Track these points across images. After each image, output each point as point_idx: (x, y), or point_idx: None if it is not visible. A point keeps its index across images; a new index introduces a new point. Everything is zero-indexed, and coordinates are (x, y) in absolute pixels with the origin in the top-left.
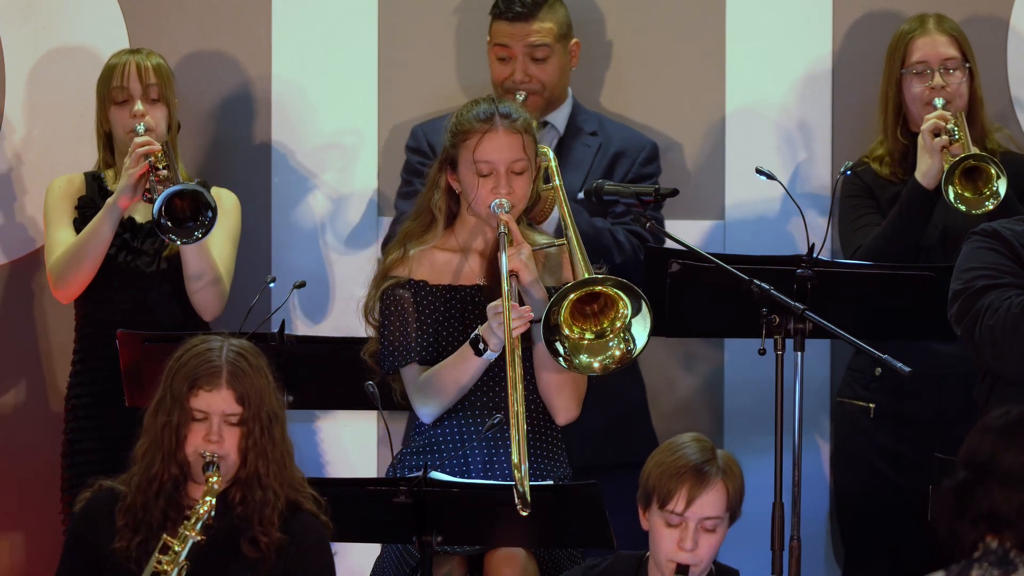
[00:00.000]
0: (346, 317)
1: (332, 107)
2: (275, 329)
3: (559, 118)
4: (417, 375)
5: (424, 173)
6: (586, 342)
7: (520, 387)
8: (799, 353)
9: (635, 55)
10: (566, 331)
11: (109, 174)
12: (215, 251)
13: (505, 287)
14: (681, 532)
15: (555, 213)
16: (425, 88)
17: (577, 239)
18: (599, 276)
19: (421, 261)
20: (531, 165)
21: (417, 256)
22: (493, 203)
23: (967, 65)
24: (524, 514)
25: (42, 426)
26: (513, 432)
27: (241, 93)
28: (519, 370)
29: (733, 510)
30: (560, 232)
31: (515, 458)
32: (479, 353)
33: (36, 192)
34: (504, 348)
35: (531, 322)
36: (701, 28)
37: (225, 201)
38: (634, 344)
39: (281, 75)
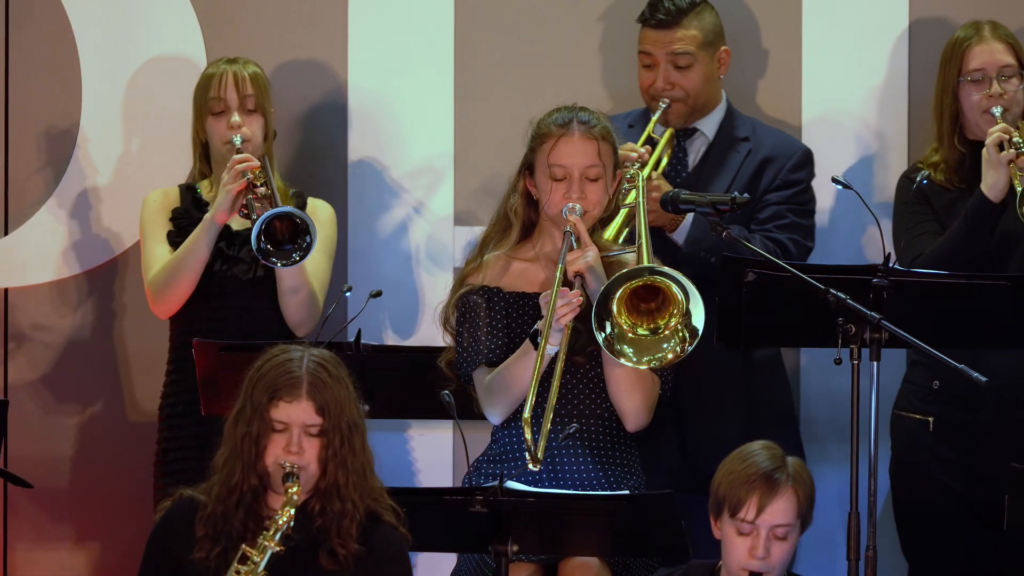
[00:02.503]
0: (422, 327)
1: (409, 116)
2: (351, 338)
3: (709, 125)
4: (484, 377)
5: None
6: (634, 336)
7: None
8: (875, 363)
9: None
10: (617, 318)
11: (204, 184)
12: (310, 264)
13: (558, 277)
14: (753, 540)
15: (687, 221)
16: (502, 99)
17: (647, 246)
18: (651, 266)
19: (496, 268)
20: (606, 172)
21: (492, 262)
22: (565, 207)
23: (1023, 72)
24: (534, 469)
25: (120, 436)
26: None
27: (318, 102)
28: (560, 355)
29: (804, 517)
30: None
31: (526, 414)
32: (538, 347)
33: (112, 202)
34: (561, 349)
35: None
36: (777, 38)
37: (320, 213)
38: (689, 343)
39: (358, 84)
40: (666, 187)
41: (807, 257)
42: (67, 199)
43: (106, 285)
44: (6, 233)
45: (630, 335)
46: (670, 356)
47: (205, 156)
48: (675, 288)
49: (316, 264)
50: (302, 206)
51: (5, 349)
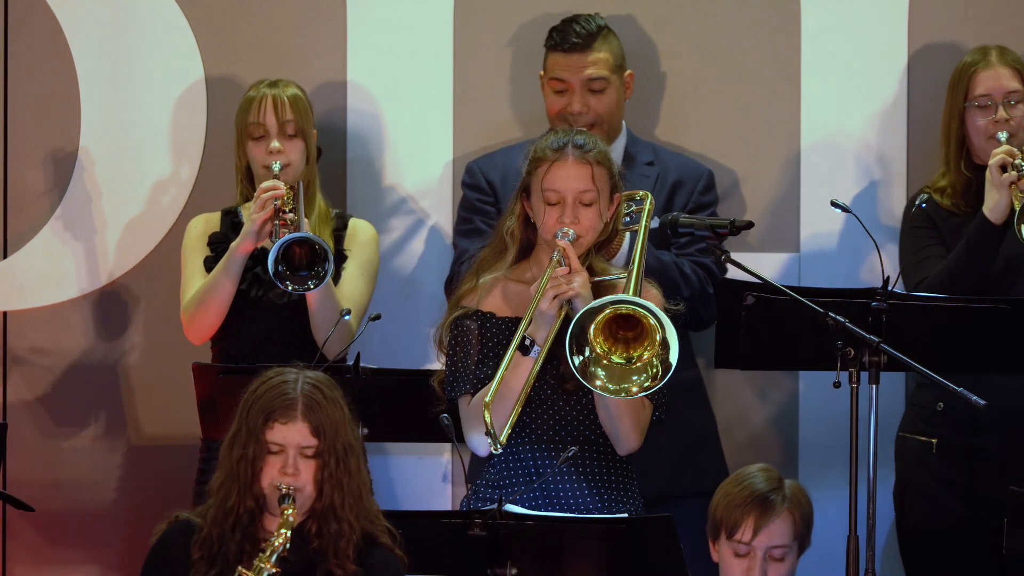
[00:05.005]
0: (422, 350)
1: (408, 139)
2: (351, 361)
3: (616, 149)
4: (468, 405)
5: (482, 209)
6: (608, 362)
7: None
8: (874, 386)
9: (710, 88)
10: (594, 343)
11: (246, 207)
12: (347, 287)
13: (537, 296)
14: (750, 562)
15: (624, 246)
16: (500, 121)
17: (639, 272)
18: (631, 298)
19: (491, 292)
20: (601, 197)
21: (487, 286)
22: (558, 232)
23: None
24: (495, 451)
25: (120, 459)
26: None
27: (317, 125)
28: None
29: (801, 539)
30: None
31: (487, 399)
32: (526, 352)
33: (116, 223)
34: (543, 349)
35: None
36: (777, 61)
37: (360, 234)
38: (657, 380)
39: (357, 107)
40: None
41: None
42: (67, 222)
43: (106, 308)
44: (5, 256)
45: (604, 361)
46: (635, 390)
47: (249, 179)
48: (652, 321)
49: (354, 287)
50: (343, 227)
51: (4, 372)
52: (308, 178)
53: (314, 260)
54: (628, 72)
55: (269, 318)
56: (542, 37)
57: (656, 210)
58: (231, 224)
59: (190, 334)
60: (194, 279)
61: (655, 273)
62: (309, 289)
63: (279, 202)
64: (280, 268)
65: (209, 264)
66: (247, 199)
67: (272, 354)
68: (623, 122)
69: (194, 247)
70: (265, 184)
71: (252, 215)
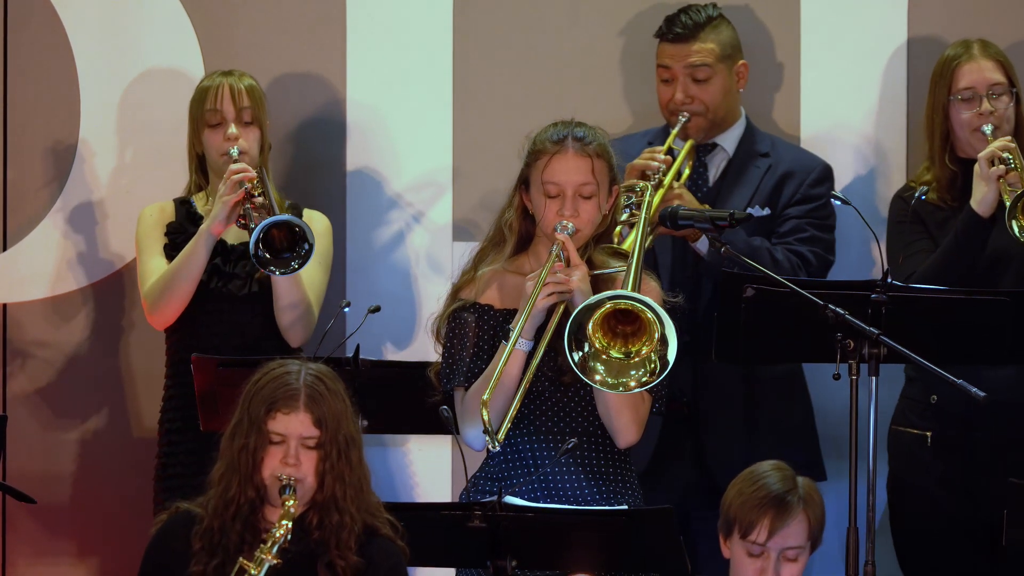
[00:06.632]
0: (420, 342)
1: (408, 130)
2: (350, 353)
3: (729, 140)
4: (462, 397)
5: None
6: (608, 357)
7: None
8: (873, 378)
9: None
10: (592, 338)
11: (199, 197)
12: (304, 277)
13: (535, 293)
14: (763, 562)
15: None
16: (501, 114)
17: (637, 265)
18: (630, 294)
19: (490, 283)
20: (600, 190)
21: (486, 278)
22: (557, 225)
23: (1013, 90)
24: (493, 448)
25: (121, 451)
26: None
27: (316, 116)
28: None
29: (814, 539)
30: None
31: (485, 396)
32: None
33: (116, 215)
34: (537, 343)
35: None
36: (775, 52)
37: (316, 224)
38: (656, 376)
39: (357, 98)
40: (688, 196)
41: (828, 271)
42: (67, 214)
43: (106, 300)
44: (5, 248)
45: (603, 356)
46: (632, 384)
47: (201, 168)
48: (650, 316)
49: (311, 276)
50: (297, 217)
51: (4, 365)
52: (263, 167)
53: (293, 242)
54: (741, 62)
55: (230, 310)
56: (541, 27)
57: (762, 200)
58: (187, 213)
59: (154, 319)
60: (154, 265)
61: (746, 257)
62: (294, 270)
63: (248, 185)
64: (261, 253)
65: (169, 252)
66: (200, 188)
67: (233, 346)
68: (742, 112)
69: (150, 235)
70: (234, 167)
71: (222, 197)
